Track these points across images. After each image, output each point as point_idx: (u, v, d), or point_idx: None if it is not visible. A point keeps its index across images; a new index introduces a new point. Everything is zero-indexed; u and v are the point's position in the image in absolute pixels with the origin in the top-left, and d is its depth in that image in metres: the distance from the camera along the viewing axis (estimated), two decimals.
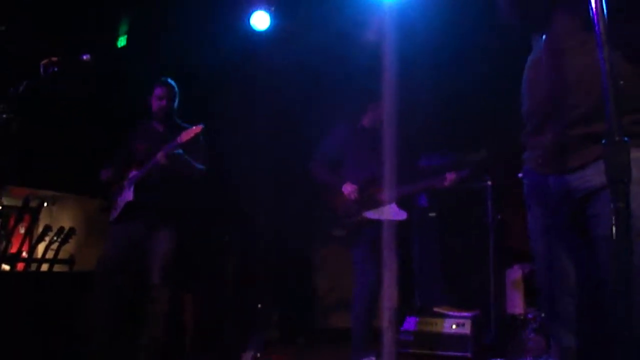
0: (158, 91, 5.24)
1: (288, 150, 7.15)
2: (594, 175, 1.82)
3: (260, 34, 6.85)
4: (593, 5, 1.49)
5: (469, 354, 5.42)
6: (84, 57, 4.10)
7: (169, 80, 5.31)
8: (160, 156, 4.72)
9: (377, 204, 5.17)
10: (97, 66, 4.22)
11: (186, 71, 6.27)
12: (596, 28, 1.49)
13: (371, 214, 5.15)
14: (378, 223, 5.10)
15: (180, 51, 6.44)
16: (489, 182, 6.20)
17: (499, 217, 6.26)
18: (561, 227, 2.06)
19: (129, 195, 4.97)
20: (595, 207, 1.87)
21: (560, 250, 2.07)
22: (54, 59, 3.98)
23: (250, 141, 7.45)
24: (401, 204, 5.16)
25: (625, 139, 1.43)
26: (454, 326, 5.61)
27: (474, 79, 6.41)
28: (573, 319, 2.04)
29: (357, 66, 6.12)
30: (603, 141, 1.45)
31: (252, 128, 7.45)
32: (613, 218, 1.41)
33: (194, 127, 4.70)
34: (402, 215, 5.13)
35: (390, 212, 5.13)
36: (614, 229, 1.40)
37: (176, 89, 5.31)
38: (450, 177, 5.13)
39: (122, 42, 6.92)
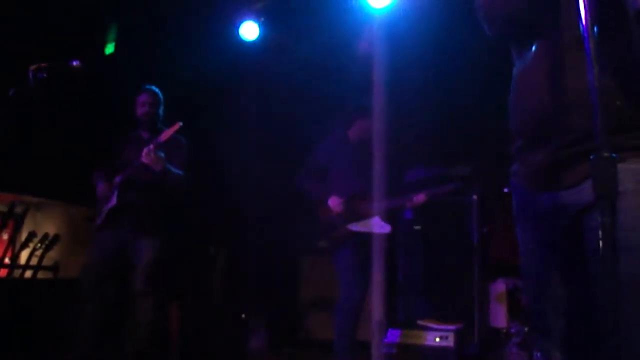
0: (142, 98, 5.26)
1: (275, 160, 7.16)
2: (589, 191, 1.83)
3: (249, 44, 6.86)
4: (583, 23, 1.50)
5: None
6: (74, 63, 4.11)
7: (153, 87, 5.33)
8: (144, 154, 4.70)
9: (361, 216, 5.20)
10: (86, 72, 4.23)
11: (175, 80, 6.28)
12: (586, 46, 1.49)
13: (355, 227, 5.18)
14: (363, 236, 5.13)
15: (169, 60, 6.45)
16: (475, 196, 6.23)
17: (484, 230, 6.29)
18: (554, 243, 2.04)
19: (113, 200, 4.97)
20: (588, 222, 1.86)
21: (551, 266, 2.05)
22: (43, 64, 3.99)
23: (237, 151, 7.46)
24: (385, 217, 5.19)
25: (613, 155, 1.44)
26: (437, 339, 5.63)
27: (461, 94, 6.46)
28: (563, 335, 2.03)
29: (346, 78, 6.15)
30: (591, 157, 1.47)
31: (240, 138, 7.46)
32: (600, 233, 1.42)
33: (173, 126, 4.71)
34: (386, 229, 5.15)
35: (374, 225, 5.16)
36: (600, 243, 1.41)
37: (160, 95, 5.33)
38: (420, 198, 5.20)
39: (110, 49, 6.92)
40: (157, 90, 5.30)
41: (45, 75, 4.01)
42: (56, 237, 6.54)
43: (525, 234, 2.15)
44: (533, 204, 2.07)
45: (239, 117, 7.48)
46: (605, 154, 1.45)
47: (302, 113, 7.03)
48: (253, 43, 6.87)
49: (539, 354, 2.36)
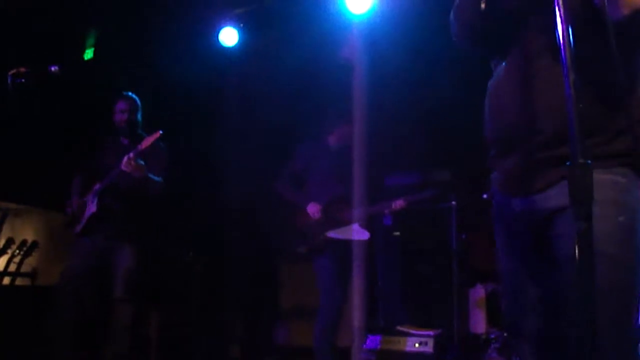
0: (119, 105, 5.24)
1: (255, 166, 7.15)
2: (558, 196, 1.85)
3: (228, 50, 6.86)
4: (559, 30, 1.52)
5: None
6: (52, 69, 4.09)
7: (130, 94, 5.31)
8: (123, 163, 4.68)
9: (339, 223, 5.21)
10: (65, 78, 4.21)
11: (154, 85, 6.26)
12: (562, 54, 1.51)
13: (334, 234, 5.19)
14: (341, 242, 5.14)
15: (148, 65, 6.43)
16: (454, 202, 6.25)
17: (463, 237, 6.31)
18: (525, 248, 2.08)
19: (92, 207, 4.95)
20: (559, 227, 1.90)
21: (523, 271, 2.09)
22: (22, 69, 3.97)
23: (217, 157, 7.45)
24: (364, 224, 5.20)
25: (589, 161, 1.46)
26: (416, 345, 5.63)
27: (440, 99, 6.48)
28: (537, 338, 2.06)
29: (326, 84, 6.16)
30: (567, 163, 1.48)
31: (219, 143, 7.45)
32: (576, 239, 1.44)
33: (153, 134, 4.68)
34: (364, 235, 5.16)
35: (353, 232, 5.17)
36: (576, 249, 1.43)
37: (138, 102, 5.31)
38: (400, 203, 5.20)
39: (89, 54, 6.89)
40: (134, 96, 5.28)
41: (23, 80, 3.99)
42: (34, 244, 6.48)
43: (501, 238, 2.20)
44: (507, 208, 2.12)
45: (219, 122, 7.47)
46: (581, 160, 1.46)
47: (283, 118, 7.03)
48: (233, 49, 6.87)
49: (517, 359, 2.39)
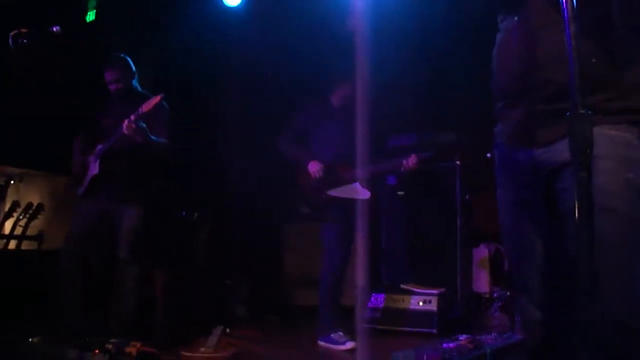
0: (109, 75, 5.07)
1: (258, 126, 7.15)
2: (563, 150, 1.82)
3: (231, 10, 6.83)
4: None
5: (434, 330, 5.50)
6: (54, 29, 4.06)
7: (120, 57, 5.12)
8: (124, 126, 4.65)
9: (341, 182, 5.21)
10: (67, 39, 4.18)
11: (157, 47, 6.24)
12: (563, 5, 1.51)
13: (335, 192, 5.20)
14: (344, 201, 5.15)
15: (151, 27, 6.40)
16: (458, 162, 6.26)
17: (466, 197, 6.33)
18: (530, 202, 2.07)
19: (94, 168, 4.94)
20: (563, 181, 1.90)
21: (528, 225, 2.09)
22: (23, 30, 3.95)
23: (220, 118, 7.45)
24: (366, 184, 5.20)
25: (589, 112, 1.46)
26: (420, 303, 5.69)
27: (443, 61, 6.46)
28: (539, 292, 2.06)
29: (329, 44, 6.13)
30: (567, 114, 1.49)
31: (222, 105, 7.45)
32: (575, 189, 1.44)
33: (154, 98, 4.62)
34: (366, 194, 5.16)
35: (354, 191, 5.18)
36: (576, 199, 1.44)
37: (129, 65, 5.13)
38: (412, 160, 5.16)
39: (91, 16, 6.86)
40: (124, 60, 5.12)
41: (25, 41, 3.97)
42: (40, 206, 6.52)
43: (504, 192, 2.19)
44: (511, 161, 2.11)
45: (223, 83, 7.46)
46: (581, 111, 1.47)
47: (286, 78, 7.02)
48: (235, 9, 6.84)
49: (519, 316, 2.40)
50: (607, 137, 1.79)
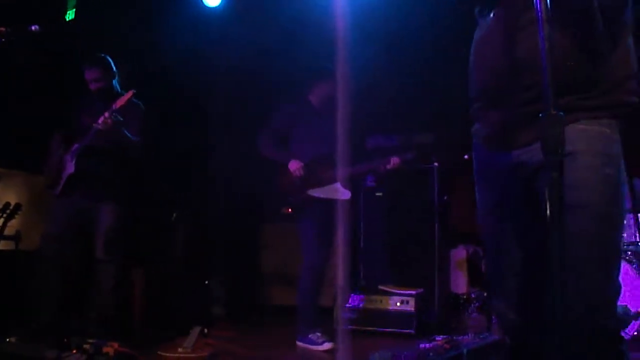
0: (90, 74, 5.06)
1: (238, 126, 7.15)
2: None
3: (211, 10, 6.83)
4: None
5: (412, 331, 5.53)
6: (32, 28, 4.05)
7: (101, 57, 5.12)
8: (100, 122, 4.63)
9: (321, 182, 5.21)
10: (46, 38, 4.17)
11: (136, 46, 6.22)
12: (537, 6, 1.52)
13: (315, 192, 5.20)
14: (323, 201, 5.16)
15: (130, 26, 6.38)
16: (436, 164, 6.29)
17: (445, 198, 6.36)
18: (511, 204, 2.07)
19: (70, 167, 4.92)
20: (541, 181, 1.90)
21: (508, 228, 2.08)
22: (2, 29, 3.93)
23: (200, 118, 7.44)
24: (346, 184, 5.21)
25: (561, 113, 1.47)
26: (398, 304, 5.72)
27: (422, 62, 6.49)
28: (516, 295, 2.06)
29: (309, 43, 6.14)
30: (540, 115, 1.49)
31: (203, 104, 7.44)
32: (547, 188, 1.45)
33: (126, 94, 4.64)
34: (346, 195, 5.17)
35: (334, 191, 5.19)
36: (547, 199, 1.44)
37: (110, 65, 5.12)
38: (395, 160, 5.18)
39: (70, 15, 6.82)
40: (105, 62, 5.11)
41: (3, 40, 3.96)
42: (17, 206, 6.47)
43: (483, 194, 2.18)
44: (491, 163, 2.10)
45: (202, 82, 7.45)
46: (553, 112, 1.47)
47: (266, 78, 7.03)
48: (215, 9, 6.84)
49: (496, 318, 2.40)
50: (585, 132, 1.81)
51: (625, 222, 5.34)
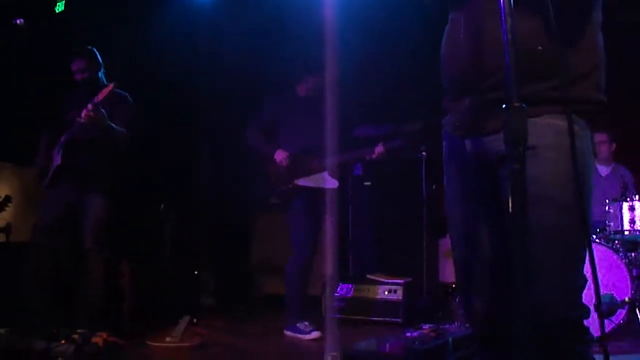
0: (76, 65, 5.10)
1: (227, 118, 7.17)
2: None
3: (200, 3, 6.84)
4: None
5: (399, 320, 5.58)
6: (17, 22, 4.05)
7: (87, 48, 5.16)
8: (83, 115, 4.64)
9: (308, 171, 5.23)
10: (34, 31, 4.17)
11: (125, 39, 6.23)
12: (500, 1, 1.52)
13: (303, 182, 5.23)
14: (311, 190, 5.19)
15: (119, 19, 6.38)
16: (424, 153, 6.32)
17: (433, 187, 6.39)
18: (479, 193, 2.05)
19: (57, 159, 4.94)
20: (503, 171, 1.86)
21: (476, 217, 2.06)
22: None
23: (188, 109, 7.45)
24: (333, 173, 5.23)
25: (523, 105, 1.47)
26: (386, 292, 5.76)
27: (410, 50, 6.50)
28: (484, 285, 2.04)
29: (296, 35, 6.16)
30: (503, 106, 1.49)
31: (190, 96, 7.45)
32: (509, 181, 1.46)
33: (106, 86, 4.66)
34: (334, 184, 5.19)
35: (322, 180, 5.21)
36: (510, 192, 1.45)
37: (96, 56, 5.16)
38: (379, 149, 5.20)
39: (59, 7, 6.81)
40: (91, 50, 5.15)
41: None
42: (8, 198, 6.47)
43: (451, 182, 2.17)
44: (459, 151, 2.08)
45: (190, 75, 7.45)
46: (516, 104, 1.47)
47: (254, 71, 7.04)
48: (205, 2, 6.86)
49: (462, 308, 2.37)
50: (551, 127, 1.80)
51: (601, 214, 5.39)
